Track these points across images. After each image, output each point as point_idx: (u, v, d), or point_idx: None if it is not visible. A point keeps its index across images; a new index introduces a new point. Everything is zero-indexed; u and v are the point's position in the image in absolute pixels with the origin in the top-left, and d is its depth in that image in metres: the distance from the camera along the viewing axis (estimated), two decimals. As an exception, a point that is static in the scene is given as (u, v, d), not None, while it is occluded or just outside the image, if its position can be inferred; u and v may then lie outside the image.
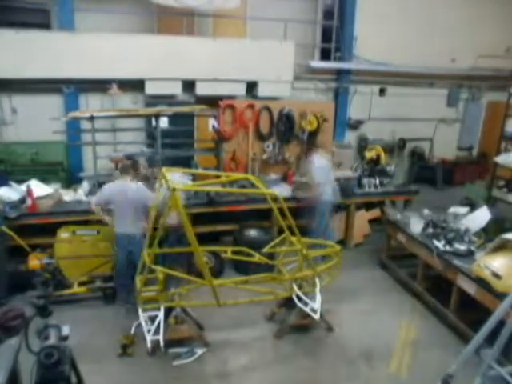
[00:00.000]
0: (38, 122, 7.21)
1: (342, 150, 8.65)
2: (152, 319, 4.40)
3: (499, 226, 5.59)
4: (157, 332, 4.25)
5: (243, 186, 6.10)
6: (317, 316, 4.54)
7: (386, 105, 9.86)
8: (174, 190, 3.72)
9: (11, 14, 7.39)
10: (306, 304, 4.59)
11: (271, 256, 5.23)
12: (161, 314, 4.32)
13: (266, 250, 5.11)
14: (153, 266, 4.33)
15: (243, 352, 4.54)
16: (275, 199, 4.33)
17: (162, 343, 4.21)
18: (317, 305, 4.57)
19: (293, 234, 4.39)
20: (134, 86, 7.67)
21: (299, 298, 4.62)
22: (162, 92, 7.77)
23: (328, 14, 9.33)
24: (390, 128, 10.07)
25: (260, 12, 8.38)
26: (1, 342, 3.11)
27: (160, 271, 4.38)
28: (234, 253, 5.29)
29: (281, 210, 4.21)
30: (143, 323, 4.38)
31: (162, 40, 7.59)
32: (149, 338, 4.27)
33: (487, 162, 10.00)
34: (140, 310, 4.44)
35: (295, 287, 4.65)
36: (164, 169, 4.23)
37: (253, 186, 4.54)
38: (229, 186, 6.08)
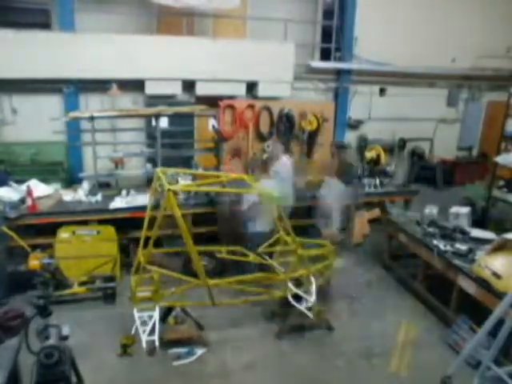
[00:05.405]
0: (37, 122, 7.20)
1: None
2: (149, 319, 4.40)
3: (499, 225, 5.61)
4: (152, 332, 4.23)
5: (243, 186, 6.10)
6: (311, 315, 4.56)
7: (386, 105, 9.85)
8: (168, 190, 3.71)
9: (11, 14, 7.39)
10: (301, 303, 4.59)
11: (270, 256, 5.24)
12: (155, 315, 4.30)
13: (261, 249, 5.13)
14: (148, 266, 4.34)
15: (243, 352, 4.54)
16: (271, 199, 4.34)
17: (157, 343, 4.19)
18: (311, 303, 4.57)
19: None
20: (134, 86, 7.67)
21: (295, 297, 4.63)
22: (162, 92, 7.76)
23: (328, 14, 9.32)
24: (390, 128, 10.05)
25: (260, 12, 8.38)
26: (1, 342, 3.11)
27: (155, 271, 4.38)
28: (232, 253, 5.30)
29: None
30: (138, 323, 4.36)
31: (162, 40, 7.58)
32: (144, 338, 4.25)
33: (487, 162, 9.99)
34: (135, 311, 4.42)
35: (291, 286, 4.66)
36: (159, 169, 4.23)
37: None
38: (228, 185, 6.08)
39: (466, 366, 4.14)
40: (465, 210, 6.07)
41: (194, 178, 6.49)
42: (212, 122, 7.06)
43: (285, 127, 7.80)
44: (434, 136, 10.64)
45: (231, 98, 7.89)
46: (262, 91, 8.26)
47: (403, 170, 10.21)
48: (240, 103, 7.63)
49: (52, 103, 7.60)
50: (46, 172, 6.94)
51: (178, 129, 7.63)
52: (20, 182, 6.06)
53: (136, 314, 4.40)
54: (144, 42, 7.47)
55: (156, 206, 4.91)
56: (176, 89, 7.82)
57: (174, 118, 7.49)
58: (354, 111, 9.84)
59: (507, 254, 4.36)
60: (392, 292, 5.86)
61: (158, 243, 5.54)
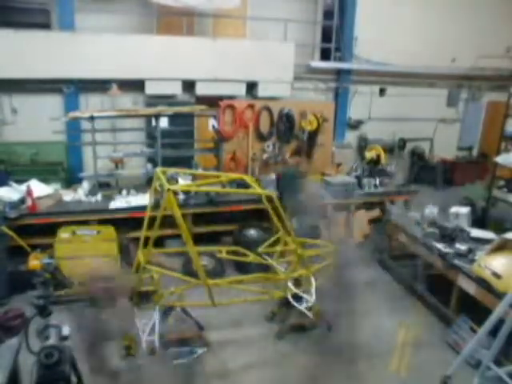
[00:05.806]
0: (38, 122, 7.20)
1: (341, 149, 8.67)
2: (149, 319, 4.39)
3: (499, 225, 5.61)
4: (152, 332, 4.22)
5: (243, 186, 6.10)
6: (311, 315, 4.56)
7: (386, 105, 9.85)
8: (168, 190, 3.70)
9: (11, 14, 7.39)
10: (301, 303, 4.59)
11: (271, 256, 5.23)
12: (155, 315, 4.30)
13: (260, 249, 5.12)
14: (148, 266, 4.33)
15: (243, 352, 4.54)
16: (270, 199, 4.34)
17: (156, 344, 4.18)
18: (311, 303, 4.57)
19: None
20: (134, 86, 7.67)
21: (295, 297, 4.62)
22: (162, 92, 7.77)
23: (328, 14, 9.32)
24: (390, 128, 10.06)
25: (260, 12, 8.38)
26: (1, 342, 3.11)
27: (155, 271, 4.37)
28: (232, 253, 5.30)
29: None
30: (138, 323, 4.35)
31: (162, 40, 7.58)
32: (144, 338, 4.25)
33: (487, 162, 9.99)
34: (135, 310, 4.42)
35: (291, 286, 4.65)
36: (159, 169, 4.22)
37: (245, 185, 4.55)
38: (228, 185, 6.08)
39: (466, 366, 4.14)
40: (465, 209, 6.06)
41: (194, 177, 6.49)
42: (212, 121, 7.06)
43: (285, 127, 7.81)
44: (433, 136, 10.64)
45: (231, 98, 7.90)
46: (261, 91, 8.26)
47: (403, 170, 10.21)
48: (240, 103, 7.64)
49: (52, 103, 7.61)
50: (45, 172, 6.93)
51: (177, 129, 7.64)
52: (20, 181, 6.06)
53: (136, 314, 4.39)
54: (144, 41, 7.47)
55: (156, 206, 4.91)
56: (176, 89, 7.83)
57: (173, 118, 7.50)
58: (354, 111, 9.84)
59: (507, 254, 4.37)
60: (392, 291, 5.86)
61: (159, 243, 5.53)
